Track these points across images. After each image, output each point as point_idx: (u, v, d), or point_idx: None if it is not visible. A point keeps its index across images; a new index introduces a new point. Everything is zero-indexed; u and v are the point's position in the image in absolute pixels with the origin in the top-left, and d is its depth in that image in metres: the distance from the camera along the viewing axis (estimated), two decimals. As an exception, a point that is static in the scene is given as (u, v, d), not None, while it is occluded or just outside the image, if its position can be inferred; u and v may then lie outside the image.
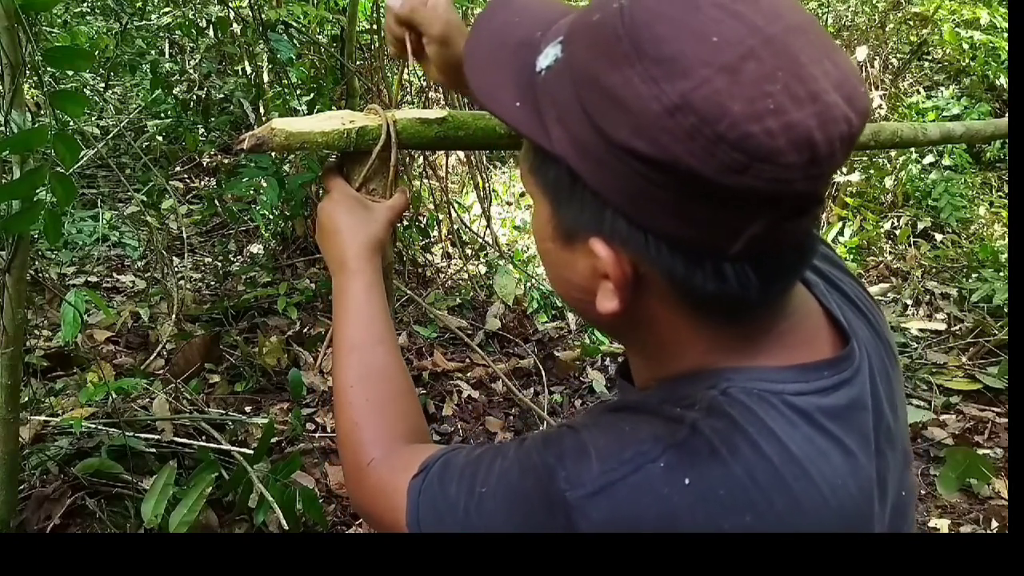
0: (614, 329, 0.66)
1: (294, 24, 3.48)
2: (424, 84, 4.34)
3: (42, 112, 2.73)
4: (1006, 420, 2.93)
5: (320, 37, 3.94)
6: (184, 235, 3.82)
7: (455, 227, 4.17)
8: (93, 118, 4.42)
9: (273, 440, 2.36)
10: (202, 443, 2.22)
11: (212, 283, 3.70)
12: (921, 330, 3.79)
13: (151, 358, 2.90)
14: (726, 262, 0.54)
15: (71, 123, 2.73)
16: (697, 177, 0.50)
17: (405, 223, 3.77)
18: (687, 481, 0.54)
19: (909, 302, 4.08)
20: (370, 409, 0.83)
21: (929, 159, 4.84)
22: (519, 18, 0.63)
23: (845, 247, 4.60)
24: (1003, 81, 4.92)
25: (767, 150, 0.49)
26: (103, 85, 4.71)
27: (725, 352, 0.61)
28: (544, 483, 0.57)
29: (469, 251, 4.20)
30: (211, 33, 3.86)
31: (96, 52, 4.00)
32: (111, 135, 4.00)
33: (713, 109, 0.48)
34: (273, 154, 2.58)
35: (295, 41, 3.50)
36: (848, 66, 0.53)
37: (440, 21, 0.94)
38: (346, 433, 0.83)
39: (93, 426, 2.17)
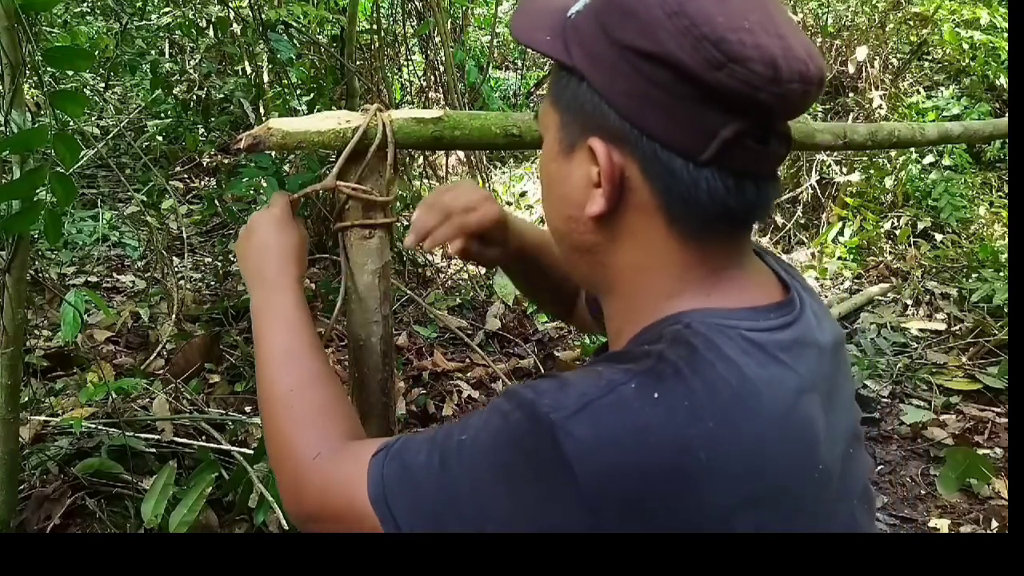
0: (595, 258, 0.72)
1: (294, 24, 3.48)
2: (424, 84, 4.35)
3: (42, 112, 2.73)
4: (1006, 420, 2.93)
5: (320, 37, 3.94)
6: (184, 235, 3.82)
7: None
8: (93, 118, 4.42)
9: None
10: (202, 443, 2.22)
11: (212, 283, 3.70)
12: (921, 330, 3.79)
13: (151, 358, 2.90)
14: (699, 167, 0.64)
15: (71, 123, 2.73)
16: (684, 69, 0.61)
17: (405, 223, 3.77)
18: (656, 396, 0.60)
19: (909, 302, 4.08)
20: (313, 410, 0.83)
21: (929, 159, 4.84)
22: None
23: (845, 247, 4.60)
24: (1003, 81, 4.91)
25: (739, 54, 0.60)
26: (103, 85, 4.71)
27: (689, 285, 0.68)
28: (527, 411, 0.61)
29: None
30: (211, 33, 3.86)
31: (96, 52, 4.00)
32: (111, 135, 4.00)
33: (702, 17, 0.61)
34: (273, 153, 2.58)
35: (295, 41, 3.50)
36: (809, 41, 0.66)
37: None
38: (285, 437, 0.82)
39: (93, 426, 2.17)
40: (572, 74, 0.68)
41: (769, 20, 0.63)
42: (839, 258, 4.59)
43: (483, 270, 4.04)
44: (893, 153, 4.79)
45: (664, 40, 0.61)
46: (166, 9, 4.10)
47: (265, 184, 2.65)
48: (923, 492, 2.66)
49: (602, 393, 0.60)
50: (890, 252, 4.62)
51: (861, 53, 4.99)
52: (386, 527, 0.68)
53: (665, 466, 0.58)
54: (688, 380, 0.61)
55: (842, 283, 4.48)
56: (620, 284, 0.72)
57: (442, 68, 4.03)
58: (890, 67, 5.21)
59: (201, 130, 4.06)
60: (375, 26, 3.99)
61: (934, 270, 4.39)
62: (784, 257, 2.89)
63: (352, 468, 0.73)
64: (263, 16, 3.38)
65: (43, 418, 2.22)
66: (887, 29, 5.12)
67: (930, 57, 5.40)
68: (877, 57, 5.13)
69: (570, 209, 0.71)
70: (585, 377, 0.63)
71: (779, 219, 5.05)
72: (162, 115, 4.61)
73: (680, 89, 0.62)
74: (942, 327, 3.79)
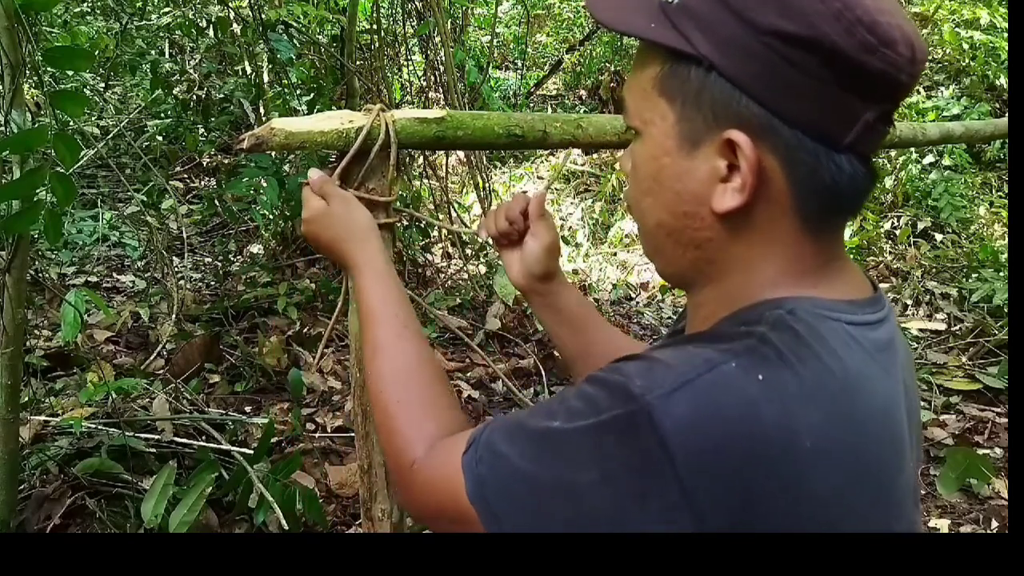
0: (702, 253, 0.69)
1: (294, 24, 3.48)
2: (424, 84, 4.35)
3: (42, 112, 2.73)
4: (1006, 420, 2.93)
5: (320, 37, 3.94)
6: (184, 235, 3.83)
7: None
8: (93, 118, 4.42)
9: (273, 440, 2.36)
10: (202, 443, 2.22)
11: (212, 283, 3.70)
12: (921, 330, 3.79)
13: (151, 358, 2.90)
14: (839, 152, 0.63)
15: (71, 123, 2.73)
16: (838, 53, 0.60)
17: (405, 223, 3.77)
18: (760, 377, 0.58)
19: (909, 302, 4.08)
20: (402, 410, 0.82)
21: (929, 159, 4.84)
22: None
23: (845, 247, 4.60)
24: (1003, 81, 4.92)
25: (889, 38, 0.60)
26: (103, 85, 4.71)
27: (797, 275, 0.67)
28: (620, 395, 0.59)
29: (469, 251, 4.20)
30: (211, 33, 3.85)
31: (96, 52, 4.00)
32: (111, 135, 4.00)
33: (852, 0, 0.60)
34: (273, 153, 2.59)
35: (295, 41, 3.50)
36: None
37: (555, 235, 1.04)
38: (385, 440, 0.83)
39: (93, 426, 2.17)
40: (692, 63, 0.64)
41: (893, 4, 0.62)
42: (839, 258, 4.59)
43: (483, 269, 4.04)
44: (893, 153, 4.79)
45: (817, 23, 0.59)
46: (166, 9, 4.10)
47: (265, 184, 2.65)
48: (923, 492, 2.67)
49: (701, 371, 0.58)
50: (890, 252, 4.62)
51: (861, 53, 4.98)
52: (489, 527, 0.65)
53: (771, 444, 0.56)
54: (794, 366, 0.59)
55: (842, 283, 4.47)
56: (723, 276, 0.69)
57: (442, 68, 4.03)
58: (890, 67, 5.21)
59: (201, 130, 4.06)
60: (375, 26, 3.99)
61: (934, 270, 4.39)
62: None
63: (447, 470, 0.70)
64: (263, 16, 3.39)
65: (43, 418, 2.22)
66: (887, 29, 5.11)
67: (930, 57, 5.40)
68: (877, 57, 5.13)
69: (688, 205, 0.67)
70: (677, 355, 0.61)
71: (779, 219, 5.05)
72: (162, 115, 4.61)
73: (827, 74, 0.60)
74: (942, 327, 3.79)
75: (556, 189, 5.44)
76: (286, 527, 1.88)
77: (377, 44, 3.93)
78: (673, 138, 0.67)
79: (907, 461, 0.66)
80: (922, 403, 3.16)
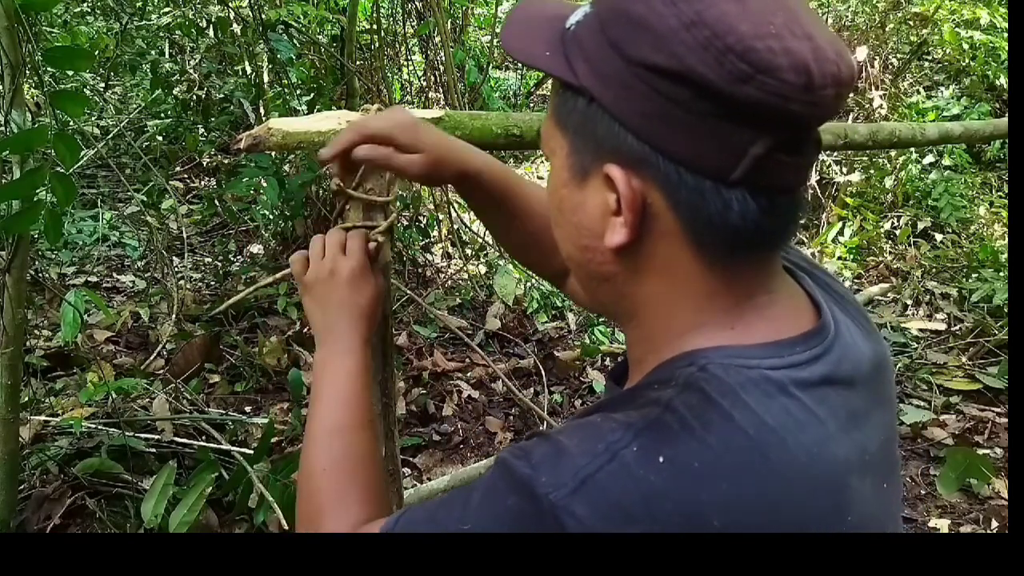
0: (613, 288, 0.68)
1: (294, 24, 3.48)
2: (424, 84, 4.35)
3: (42, 112, 2.73)
4: (1006, 420, 2.93)
5: (320, 37, 3.94)
6: (184, 235, 3.83)
7: (455, 227, 4.17)
8: (93, 118, 4.42)
9: (273, 440, 2.36)
10: (202, 443, 2.22)
11: (212, 283, 3.70)
12: (921, 330, 3.79)
13: (151, 358, 2.90)
14: (728, 187, 0.59)
15: (71, 123, 2.73)
16: (708, 85, 0.56)
17: (405, 223, 3.77)
18: (661, 459, 0.57)
19: (909, 302, 4.08)
20: (335, 496, 0.80)
21: (929, 159, 4.84)
22: (551, 3, 0.71)
23: (845, 247, 4.60)
24: (1003, 81, 4.92)
25: (768, 64, 0.56)
26: (103, 85, 4.71)
27: (713, 316, 0.64)
28: (525, 492, 0.59)
29: (469, 251, 4.20)
30: (211, 33, 3.86)
31: (96, 52, 4.00)
32: (111, 135, 4.00)
33: (723, 26, 0.56)
34: (273, 153, 2.59)
35: (295, 41, 3.50)
36: (836, 37, 0.61)
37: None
38: (309, 518, 0.81)
39: (93, 426, 2.17)
40: (579, 94, 0.63)
41: (795, 20, 0.58)
42: (839, 258, 4.59)
43: (483, 270, 4.04)
44: (893, 153, 4.79)
45: (683, 54, 0.56)
46: (166, 9, 4.11)
47: (265, 184, 2.66)
48: (923, 492, 2.67)
49: (603, 462, 0.57)
50: (890, 252, 4.62)
51: (861, 53, 4.99)
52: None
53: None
54: (699, 435, 0.57)
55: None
56: (641, 314, 0.68)
57: (442, 68, 4.03)
58: (890, 67, 5.21)
59: (201, 130, 4.06)
60: (375, 26, 3.99)
61: (934, 270, 4.40)
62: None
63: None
64: (263, 16, 3.39)
65: (43, 418, 2.22)
66: (887, 29, 5.12)
67: (930, 57, 5.40)
68: (877, 57, 5.13)
69: (586, 239, 0.66)
70: (583, 438, 0.60)
71: (779, 219, 5.05)
72: (162, 115, 4.61)
73: (703, 106, 0.57)
74: (942, 327, 3.79)
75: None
76: (286, 527, 1.88)
77: (377, 44, 3.93)
78: (568, 169, 0.66)
79: (854, 504, 0.62)
80: (922, 403, 3.16)
